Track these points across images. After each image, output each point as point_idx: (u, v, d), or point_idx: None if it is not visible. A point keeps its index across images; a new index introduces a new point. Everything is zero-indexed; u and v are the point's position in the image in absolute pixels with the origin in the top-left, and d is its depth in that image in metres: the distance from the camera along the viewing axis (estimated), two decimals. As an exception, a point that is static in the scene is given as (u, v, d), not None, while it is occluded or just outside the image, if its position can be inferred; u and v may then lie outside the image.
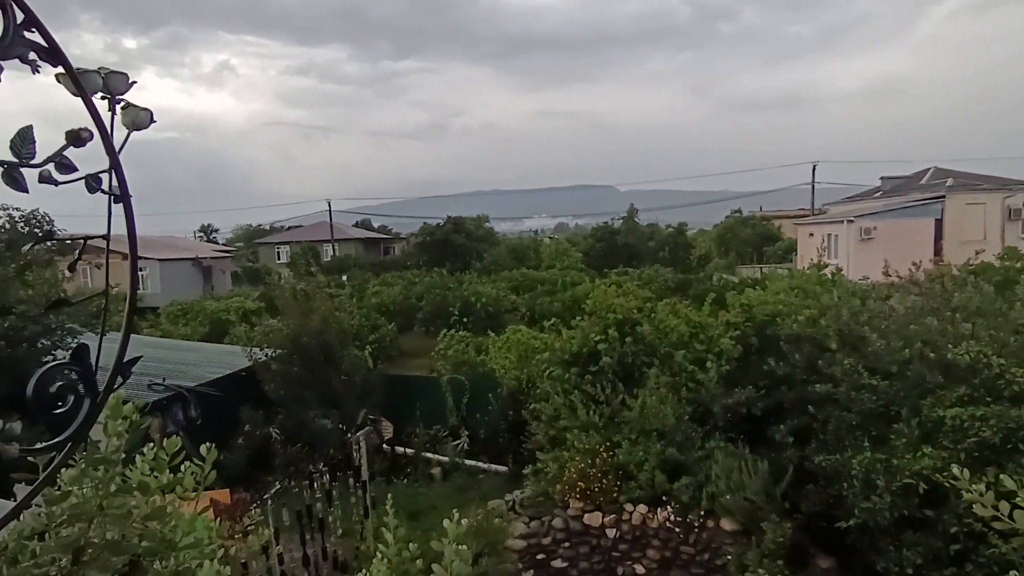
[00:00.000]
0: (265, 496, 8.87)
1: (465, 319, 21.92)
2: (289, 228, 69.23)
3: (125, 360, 1.57)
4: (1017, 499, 2.13)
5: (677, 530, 9.00)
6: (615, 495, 9.34)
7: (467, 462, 12.56)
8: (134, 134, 1.60)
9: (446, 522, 1.98)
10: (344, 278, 35.86)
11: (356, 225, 70.31)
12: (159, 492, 1.50)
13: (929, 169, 34.94)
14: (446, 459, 12.63)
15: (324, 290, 15.87)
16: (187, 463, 1.85)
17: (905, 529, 6.45)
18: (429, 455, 12.86)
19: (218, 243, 65.07)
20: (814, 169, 42.99)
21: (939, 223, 28.71)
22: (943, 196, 29.16)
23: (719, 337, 10.33)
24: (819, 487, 8.36)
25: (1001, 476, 2.14)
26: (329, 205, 54.90)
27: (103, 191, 1.57)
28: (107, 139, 1.60)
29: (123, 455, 1.56)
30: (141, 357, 1.55)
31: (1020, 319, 8.98)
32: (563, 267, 37.19)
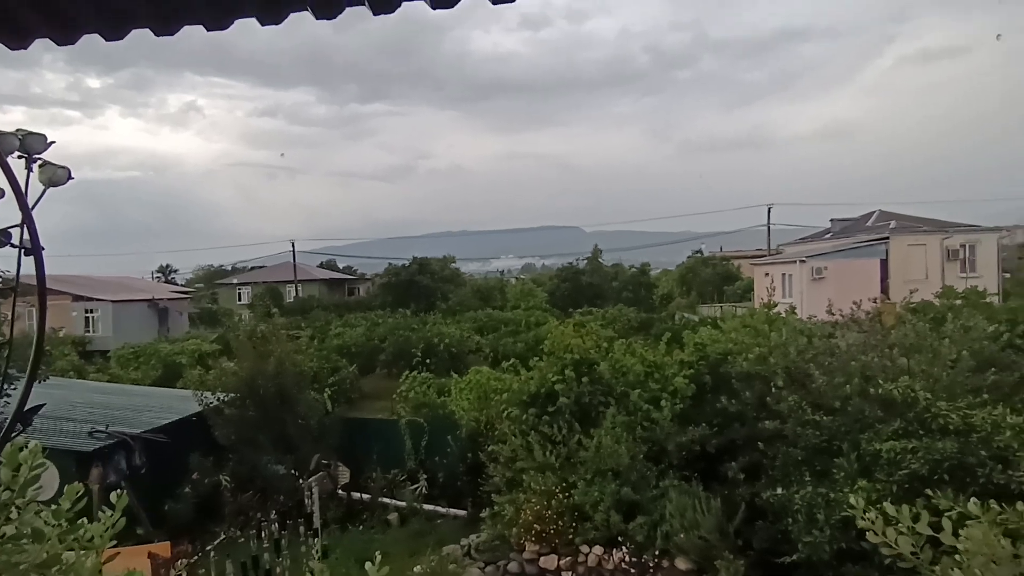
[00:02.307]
0: (208, 548, 8.53)
1: (428, 360, 21.76)
2: (252, 268, 68.10)
3: (27, 408, 1.61)
4: (902, 526, 2.28)
5: (632, 571, 8.97)
6: (571, 536, 9.29)
7: (425, 507, 12.33)
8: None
9: (368, 566, 2.00)
10: (303, 320, 35.29)
11: (321, 266, 69.61)
12: (57, 541, 1.51)
13: (874, 212, 36.76)
14: (403, 504, 12.37)
15: (283, 332, 15.65)
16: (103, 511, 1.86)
17: (845, 562, 6.60)
18: (386, 500, 12.58)
19: (177, 283, 63.48)
20: (769, 211, 44.76)
21: (884, 263, 30.06)
22: (887, 237, 30.63)
23: (674, 376, 10.55)
24: (768, 523, 8.49)
25: (885, 505, 2.28)
26: (293, 245, 54.39)
27: (12, 245, 1.64)
28: (20, 197, 1.68)
29: (35, 504, 1.58)
30: (44, 405, 1.59)
31: (950, 355, 9.45)
32: (528, 307, 37.43)
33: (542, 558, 9.28)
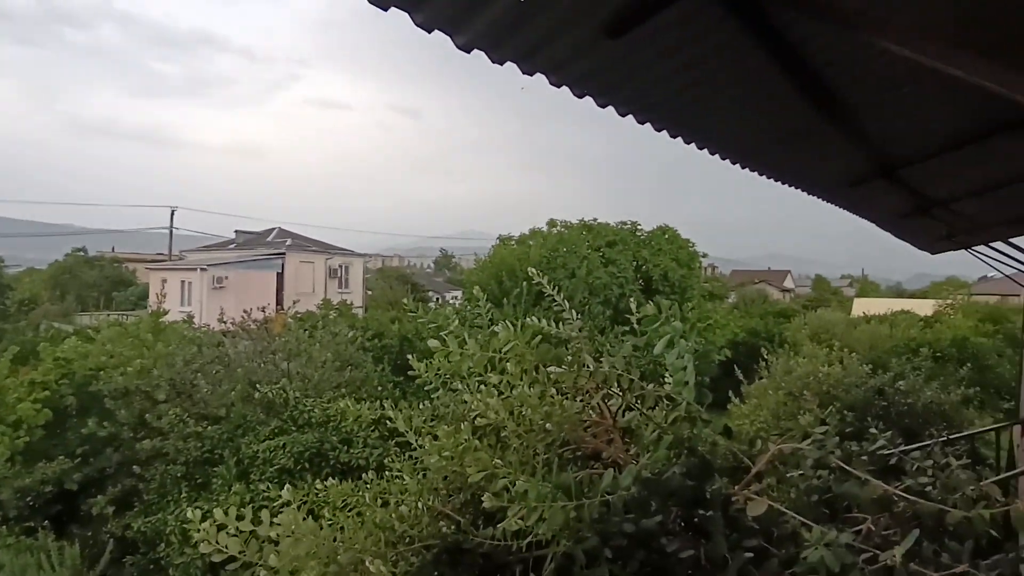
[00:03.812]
0: None
1: None
2: None
3: None
4: (230, 528, 2.27)
5: None
6: None
7: None
8: None
9: None
10: None
11: None
12: None
13: (275, 229, 40.00)
14: None
15: None
16: None
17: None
18: None
19: None
20: (172, 214, 42.11)
21: (280, 276, 33.00)
22: (284, 253, 33.78)
23: (18, 402, 8.27)
24: (142, 555, 7.68)
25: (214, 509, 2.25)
26: None
27: None
28: None
29: None
30: None
31: (321, 357, 11.01)
32: None
33: None
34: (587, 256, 19.07)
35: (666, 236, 21.08)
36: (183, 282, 29.20)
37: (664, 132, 2.74)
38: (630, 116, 2.34)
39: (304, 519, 2.06)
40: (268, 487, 2.35)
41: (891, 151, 3.22)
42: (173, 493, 7.73)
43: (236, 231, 40.66)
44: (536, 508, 1.58)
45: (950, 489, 1.94)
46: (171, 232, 43.75)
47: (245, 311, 11.48)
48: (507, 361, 2.07)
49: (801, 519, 1.76)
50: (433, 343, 2.06)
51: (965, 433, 4.29)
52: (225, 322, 11.50)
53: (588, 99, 2.25)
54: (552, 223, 21.35)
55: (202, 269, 28.98)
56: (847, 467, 1.78)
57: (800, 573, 1.68)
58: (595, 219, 21.34)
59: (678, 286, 19.92)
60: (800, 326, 21.31)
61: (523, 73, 1.89)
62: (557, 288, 2.62)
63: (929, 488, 1.96)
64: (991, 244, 7.83)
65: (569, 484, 1.63)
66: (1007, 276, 8.92)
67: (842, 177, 3.56)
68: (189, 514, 2.46)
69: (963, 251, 8.67)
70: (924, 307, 25.09)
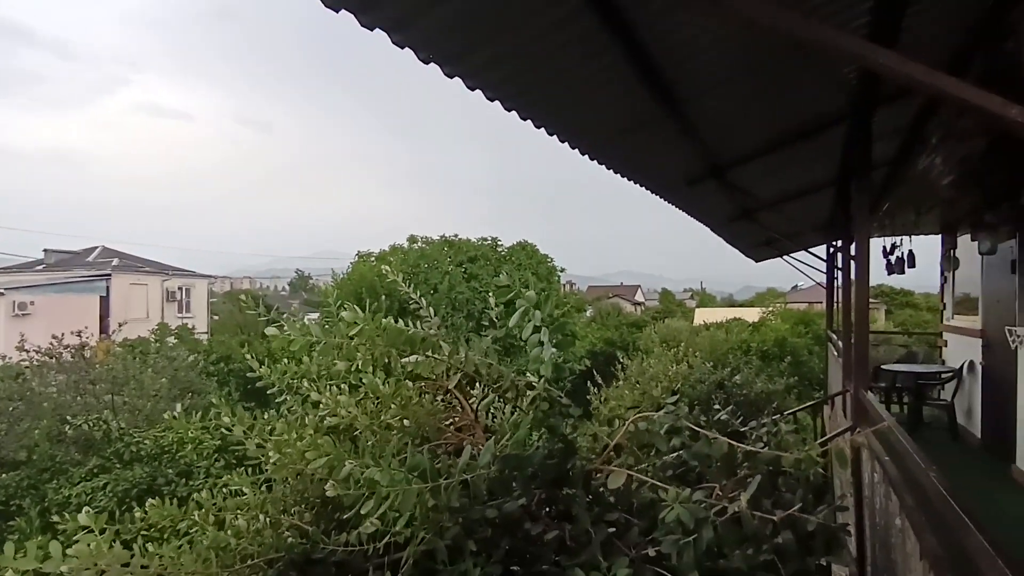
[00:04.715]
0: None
1: None
2: None
3: None
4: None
5: None
6: None
7: None
8: None
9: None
10: None
11: None
12: None
13: (98, 247, 35.23)
14: None
15: None
16: None
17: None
18: None
19: None
20: (-41, 231, 35.47)
21: (106, 299, 29.07)
22: (109, 274, 29.83)
23: None
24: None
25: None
26: None
27: None
28: None
29: None
30: None
31: (155, 385, 9.77)
32: None
33: None
34: (449, 272, 19.04)
35: (525, 251, 21.73)
36: (-28, 310, 24.61)
37: (526, 130, 2.74)
38: (482, 96, 2.30)
39: (109, 548, 1.71)
40: (66, 516, 1.94)
41: (718, 152, 3.54)
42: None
43: (45, 250, 35.23)
44: (388, 496, 1.44)
45: (782, 450, 2.10)
46: (-43, 252, 36.84)
47: (55, 337, 9.87)
48: (356, 348, 1.90)
49: (659, 484, 1.80)
50: (271, 330, 1.83)
51: (790, 411, 4.84)
52: (27, 351, 9.78)
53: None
54: (412, 239, 21.09)
55: (0, 293, 24.66)
56: (697, 428, 1.85)
57: (659, 537, 1.71)
58: (456, 235, 21.45)
59: (542, 297, 20.54)
60: (651, 334, 23.03)
61: (362, 27, 1.77)
62: (420, 298, 2.50)
63: (765, 449, 2.11)
64: (794, 254, 9.03)
65: (423, 465, 1.50)
66: (816, 283, 10.35)
67: (680, 175, 3.86)
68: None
69: (780, 260, 9.91)
70: (751, 314, 28.27)
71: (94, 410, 8.54)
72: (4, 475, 6.93)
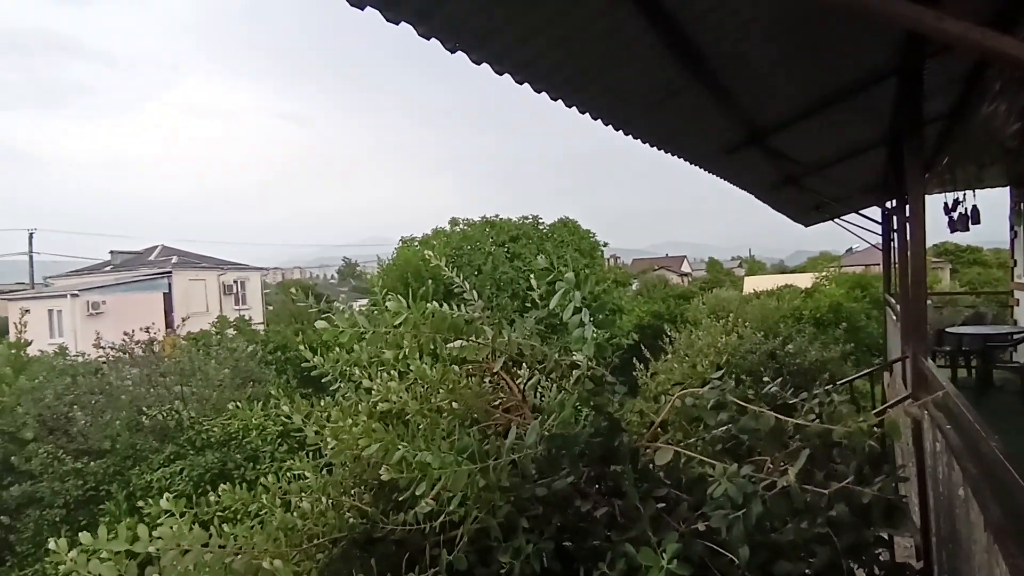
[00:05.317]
0: None
1: None
2: None
3: None
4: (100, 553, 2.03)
5: None
6: None
7: None
8: None
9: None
10: None
11: None
12: None
13: (158, 247, 36.97)
14: None
15: None
16: None
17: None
18: None
19: None
20: (31, 237, 37.80)
21: (168, 296, 30.57)
22: (170, 272, 31.30)
23: None
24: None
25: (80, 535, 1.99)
26: None
27: None
28: None
29: None
30: None
31: (218, 375, 10.27)
32: None
33: None
34: (492, 252, 19.13)
35: (567, 228, 21.58)
36: (51, 311, 26.31)
37: (552, 102, 2.72)
38: (512, 81, 2.30)
39: (190, 530, 1.86)
40: (149, 501, 2.11)
41: (757, 117, 3.42)
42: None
43: (111, 252, 37.20)
44: (440, 478, 1.50)
45: (835, 421, 2.06)
46: (31, 258, 39.31)
47: (126, 334, 10.48)
48: (403, 336, 1.97)
49: (706, 460, 1.81)
50: (321, 324, 1.92)
51: (845, 380, 4.70)
52: (103, 347, 10.43)
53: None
54: (454, 221, 21.23)
55: (73, 295, 26.24)
56: (744, 404, 1.84)
57: (708, 512, 1.72)
58: (497, 215, 21.47)
59: (582, 276, 20.45)
60: (699, 305, 22.58)
61: (387, 21, 1.80)
62: (464, 280, 2.54)
63: (816, 421, 2.08)
64: (846, 216, 8.65)
65: (471, 447, 1.56)
66: (871, 245, 9.92)
67: (718, 143, 3.75)
68: (52, 545, 2.17)
69: (832, 224, 9.52)
70: (804, 280, 27.35)
71: (166, 401, 9.07)
72: (93, 463, 7.46)
